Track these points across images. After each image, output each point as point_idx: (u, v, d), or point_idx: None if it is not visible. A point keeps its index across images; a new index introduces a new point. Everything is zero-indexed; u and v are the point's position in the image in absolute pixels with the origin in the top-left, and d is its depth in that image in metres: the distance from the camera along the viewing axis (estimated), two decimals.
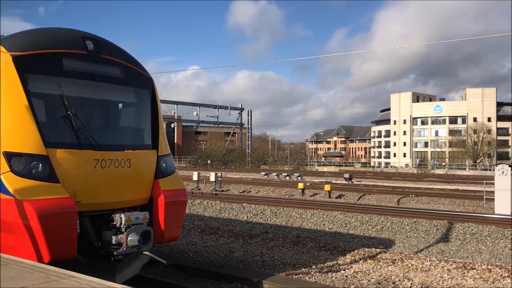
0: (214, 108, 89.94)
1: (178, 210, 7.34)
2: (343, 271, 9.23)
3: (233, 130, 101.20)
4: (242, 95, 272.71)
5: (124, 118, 7.67)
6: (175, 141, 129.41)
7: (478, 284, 8.40)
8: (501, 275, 8.82)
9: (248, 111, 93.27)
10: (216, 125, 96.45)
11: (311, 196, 27.25)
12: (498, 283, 8.47)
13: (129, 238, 6.24)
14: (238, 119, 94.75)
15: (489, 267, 9.31)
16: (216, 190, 29.20)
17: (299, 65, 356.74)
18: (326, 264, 9.83)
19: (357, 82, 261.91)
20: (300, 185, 27.75)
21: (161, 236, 6.97)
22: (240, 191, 30.78)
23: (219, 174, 31.53)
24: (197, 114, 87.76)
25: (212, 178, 30.07)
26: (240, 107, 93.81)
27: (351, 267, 9.62)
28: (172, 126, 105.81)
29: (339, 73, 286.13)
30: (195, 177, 30.63)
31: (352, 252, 10.87)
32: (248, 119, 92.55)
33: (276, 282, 7.76)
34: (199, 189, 29.52)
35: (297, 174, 42.50)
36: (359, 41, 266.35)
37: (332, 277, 8.77)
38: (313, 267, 9.47)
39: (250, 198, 23.54)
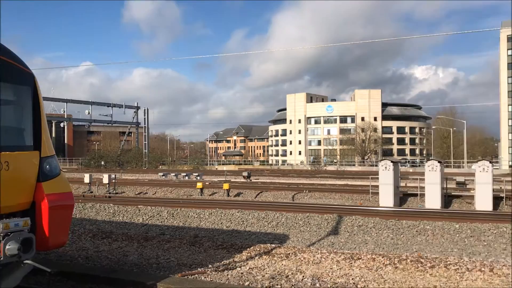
0: (108, 106, 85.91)
1: (63, 215, 6.90)
2: (239, 268, 9.33)
3: (129, 129, 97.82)
4: (139, 93, 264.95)
5: (1, 117, 7.04)
6: (66, 142, 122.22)
7: (364, 273, 8.95)
8: (383, 263, 9.49)
9: (145, 109, 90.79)
10: (110, 124, 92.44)
11: (209, 195, 27.26)
12: (380, 270, 9.10)
13: (7, 247, 5.74)
14: (134, 118, 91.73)
15: (373, 256, 9.97)
16: (109, 193, 28.04)
17: (198, 63, 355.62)
18: (222, 262, 9.87)
19: (255, 82, 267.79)
20: (199, 185, 27.63)
21: (46, 243, 6.50)
22: (136, 193, 29.89)
23: (113, 176, 30.32)
24: (89, 113, 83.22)
25: (106, 180, 28.84)
26: (136, 105, 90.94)
27: (247, 263, 9.76)
28: (62, 126, 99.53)
29: (238, 73, 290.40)
30: (86, 180, 29.12)
31: (248, 249, 11.04)
32: (144, 118, 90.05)
33: (171, 284, 7.62)
34: (91, 192, 28.14)
35: (196, 174, 42.29)
36: (257, 42, 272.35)
37: (227, 275, 8.82)
38: (210, 266, 9.45)
39: (146, 200, 22.94)
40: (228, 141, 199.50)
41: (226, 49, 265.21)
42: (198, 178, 38.90)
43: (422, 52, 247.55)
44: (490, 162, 19.79)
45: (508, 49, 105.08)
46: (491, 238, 12.95)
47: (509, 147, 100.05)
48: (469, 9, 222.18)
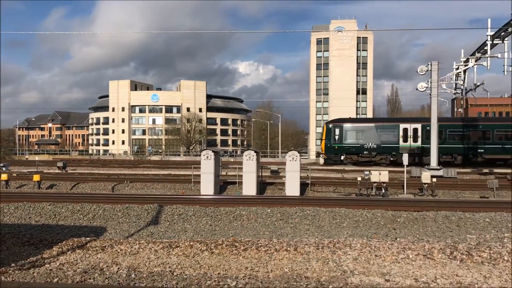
0: None
1: None
2: (48, 265, 8.65)
3: None
4: None
5: None
6: None
7: (181, 260, 9.08)
8: (200, 249, 9.76)
9: None
10: None
11: (17, 188, 24.66)
12: (197, 256, 9.34)
13: None
14: None
15: (191, 243, 10.18)
16: None
17: (10, 40, 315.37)
18: (29, 259, 9.03)
19: (77, 66, 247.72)
20: (4, 176, 24.75)
21: None
22: None
23: None
24: None
25: None
26: None
27: (58, 259, 9.10)
28: None
29: (57, 54, 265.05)
30: None
31: (60, 244, 10.30)
32: None
33: None
34: None
35: (2, 165, 37.79)
36: (79, 23, 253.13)
37: (33, 272, 8.10)
38: (13, 265, 8.56)
39: None
40: (42, 129, 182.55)
41: (43, 27, 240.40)
42: (4, 169, 34.82)
43: (245, 48, 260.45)
44: (298, 152, 21.80)
45: (317, 51, 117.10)
46: (297, 220, 14.30)
47: (316, 139, 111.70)
48: (288, 11, 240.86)
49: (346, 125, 41.45)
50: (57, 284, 7.51)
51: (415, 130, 39.40)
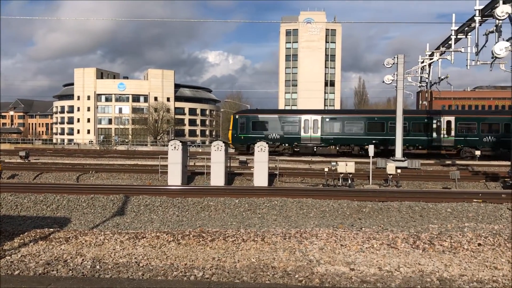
0: None
1: None
2: (9, 257, 8.40)
3: None
4: None
5: None
6: None
7: (147, 251, 8.98)
8: (167, 240, 9.68)
9: None
10: None
11: None
12: (164, 247, 9.26)
13: None
14: None
15: (158, 234, 10.09)
16: None
17: None
18: None
19: (41, 53, 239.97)
20: None
21: None
22: None
23: None
24: None
25: None
26: None
27: (19, 251, 8.86)
28: None
29: (19, 40, 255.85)
30: None
31: (21, 235, 10.03)
32: None
33: None
34: None
35: None
36: (44, 9, 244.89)
37: None
38: None
39: None
40: (3, 117, 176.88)
41: (5, 11, 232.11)
42: None
43: (215, 38, 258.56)
44: (266, 143, 21.87)
45: (286, 42, 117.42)
46: (264, 211, 14.37)
47: None
48: (258, 1, 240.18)
49: (252, 116, 43.02)
50: (18, 277, 7.32)
51: (315, 121, 41.04)
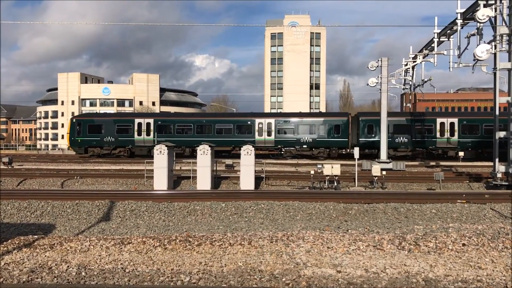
0: None
1: None
2: None
3: None
4: None
5: None
6: None
7: (133, 257, 8.92)
8: (153, 245, 9.62)
9: None
10: None
11: None
12: (150, 253, 9.21)
13: None
14: None
15: (144, 239, 10.02)
16: None
17: None
18: None
19: (25, 57, 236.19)
20: None
21: None
22: None
23: None
24: None
25: None
26: None
27: (3, 259, 8.74)
28: None
29: (4, 45, 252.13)
30: None
31: (5, 243, 9.88)
32: None
33: None
34: None
35: None
36: (29, 12, 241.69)
37: None
38: None
39: None
40: None
41: None
42: None
43: (202, 42, 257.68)
44: (252, 146, 21.89)
45: (271, 46, 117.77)
46: (251, 214, 14.37)
47: None
48: (245, 5, 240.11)
49: (88, 120, 44.70)
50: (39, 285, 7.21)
51: (148, 124, 42.69)
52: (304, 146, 40.89)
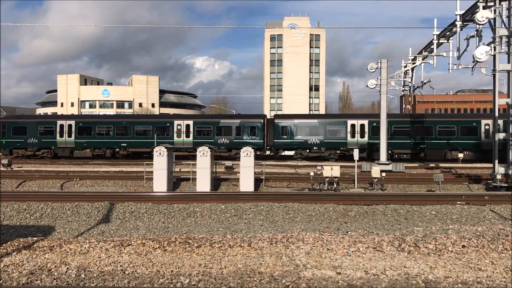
0: None
1: None
2: None
3: None
4: None
5: None
6: None
7: (133, 259, 8.92)
8: (153, 247, 9.61)
9: None
10: None
11: None
12: (150, 254, 9.20)
13: None
14: None
15: (144, 241, 10.02)
16: None
17: None
18: None
19: (26, 59, 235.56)
20: None
21: None
22: None
23: None
24: None
25: None
26: None
27: (2, 261, 8.73)
28: None
29: (4, 47, 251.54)
30: None
31: (4, 245, 9.88)
32: None
33: None
34: None
35: None
36: (30, 14, 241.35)
37: None
38: None
39: None
40: None
41: None
42: None
43: (203, 43, 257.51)
44: (252, 148, 21.87)
45: (271, 48, 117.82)
46: (251, 216, 14.36)
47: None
48: (245, 7, 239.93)
49: (12, 122, 45.12)
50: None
51: (70, 126, 43.21)
52: (222, 147, 41.49)
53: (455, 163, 36.58)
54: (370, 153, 39.04)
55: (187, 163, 30.31)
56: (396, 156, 40.33)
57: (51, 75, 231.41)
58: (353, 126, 40.32)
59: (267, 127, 42.02)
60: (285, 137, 40.96)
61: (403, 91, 34.15)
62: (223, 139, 41.56)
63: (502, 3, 20.25)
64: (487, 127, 38.85)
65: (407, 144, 39.56)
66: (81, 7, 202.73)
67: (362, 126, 40.17)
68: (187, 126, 42.33)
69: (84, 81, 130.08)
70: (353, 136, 40.05)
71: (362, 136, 39.94)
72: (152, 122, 43.52)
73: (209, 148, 21.44)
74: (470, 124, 39.80)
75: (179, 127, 42.37)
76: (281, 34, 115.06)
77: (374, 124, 38.66)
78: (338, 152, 40.44)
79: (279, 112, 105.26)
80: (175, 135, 42.13)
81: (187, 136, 42.13)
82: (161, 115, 54.38)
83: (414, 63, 31.41)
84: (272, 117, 44.16)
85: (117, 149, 43.10)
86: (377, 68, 30.24)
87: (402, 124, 40.30)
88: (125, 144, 42.32)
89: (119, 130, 43.20)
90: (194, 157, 40.55)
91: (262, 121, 41.95)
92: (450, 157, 39.18)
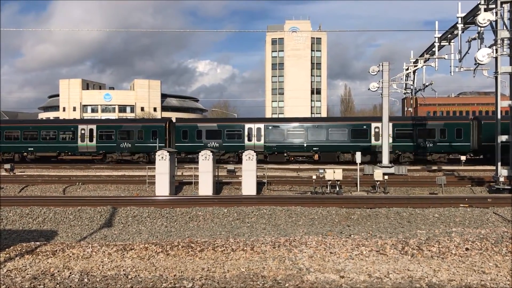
0: None
1: None
2: None
3: None
4: None
5: None
6: None
7: (136, 263, 8.91)
8: (156, 251, 9.60)
9: None
10: None
11: None
12: (152, 259, 9.19)
13: None
14: None
15: (146, 245, 10.01)
16: None
17: None
18: None
19: (29, 64, 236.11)
20: None
21: None
22: None
23: None
24: None
25: None
26: None
27: (5, 266, 8.73)
28: None
29: (7, 52, 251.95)
30: None
31: (7, 250, 9.89)
32: None
33: None
34: None
35: None
36: (33, 19, 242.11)
37: None
38: None
39: None
40: None
41: None
42: None
43: (205, 48, 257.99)
44: (254, 152, 21.87)
45: (272, 51, 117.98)
46: (253, 220, 14.35)
47: None
48: (247, 10, 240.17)
49: None
50: None
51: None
52: (125, 151, 42.03)
53: (458, 165, 36.52)
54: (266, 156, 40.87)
55: (189, 167, 30.30)
56: (292, 158, 42.04)
57: (53, 80, 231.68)
58: (250, 129, 41.37)
59: (170, 131, 42.66)
60: (186, 140, 41.71)
61: (405, 93, 34.14)
62: (125, 143, 42.15)
63: (503, 5, 20.24)
64: (377, 130, 39.69)
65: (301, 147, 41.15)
66: (85, 11, 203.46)
67: (259, 129, 41.31)
68: (91, 130, 42.90)
69: (86, 85, 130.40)
70: (249, 139, 41.17)
71: (258, 139, 41.15)
72: (57, 127, 44.29)
73: (211, 151, 21.45)
74: (361, 127, 40.91)
75: (83, 132, 42.91)
76: (283, 38, 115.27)
77: (271, 127, 41.19)
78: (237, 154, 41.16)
79: (281, 116, 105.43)
80: (79, 139, 42.70)
81: (91, 140, 42.69)
82: (64, 120, 55.91)
83: (416, 65, 31.40)
84: (173, 121, 44.85)
85: (25, 154, 43.97)
86: (379, 71, 30.24)
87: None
88: (32, 149, 43.21)
89: (26, 135, 43.87)
90: (99, 161, 40.97)
91: (164, 125, 42.60)
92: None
